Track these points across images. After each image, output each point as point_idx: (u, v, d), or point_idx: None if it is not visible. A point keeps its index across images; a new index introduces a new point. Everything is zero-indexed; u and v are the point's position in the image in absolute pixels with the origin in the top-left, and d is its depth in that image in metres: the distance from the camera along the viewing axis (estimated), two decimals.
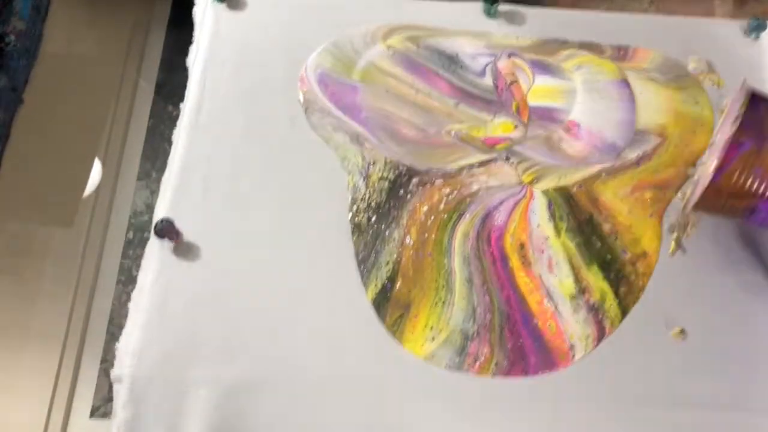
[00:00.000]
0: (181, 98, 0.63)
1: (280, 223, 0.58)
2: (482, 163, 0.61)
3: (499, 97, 0.63)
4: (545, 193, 0.59)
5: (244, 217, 0.58)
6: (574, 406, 0.52)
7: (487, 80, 0.64)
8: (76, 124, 0.73)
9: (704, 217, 0.59)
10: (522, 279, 0.56)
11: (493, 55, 0.65)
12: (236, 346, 0.54)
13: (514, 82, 0.63)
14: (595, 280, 0.56)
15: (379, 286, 0.56)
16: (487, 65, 0.65)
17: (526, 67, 0.65)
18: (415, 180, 0.60)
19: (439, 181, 0.60)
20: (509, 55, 0.65)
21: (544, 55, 0.65)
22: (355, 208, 0.59)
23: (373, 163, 0.60)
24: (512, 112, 0.62)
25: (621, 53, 0.66)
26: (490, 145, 0.61)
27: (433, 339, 0.54)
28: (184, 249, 0.57)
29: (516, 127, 0.62)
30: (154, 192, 0.65)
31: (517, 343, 0.54)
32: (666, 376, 0.53)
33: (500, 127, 0.62)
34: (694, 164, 0.61)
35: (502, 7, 0.67)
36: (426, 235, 0.58)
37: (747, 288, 0.56)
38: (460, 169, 0.60)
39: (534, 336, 0.54)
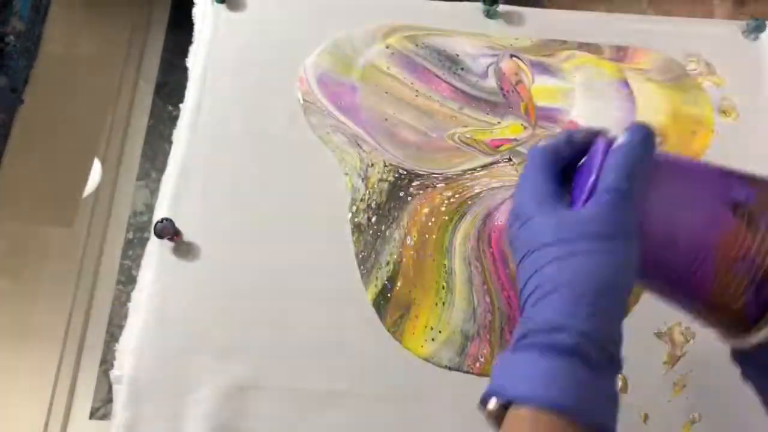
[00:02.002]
0: (181, 98, 0.63)
1: (280, 223, 0.58)
2: (485, 166, 0.61)
3: (505, 99, 0.63)
4: None
5: (244, 217, 0.58)
6: None
7: (490, 82, 0.64)
8: (76, 124, 0.73)
9: None
10: None
11: (494, 55, 0.65)
12: (236, 346, 0.54)
13: (520, 82, 0.63)
14: None
15: (380, 286, 0.56)
16: (489, 66, 0.65)
17: (526, 68, 0.65)
18: (415, 183, 0.60)
19: (440, 185, 0.60)
20: (511, 56, 0.65)
21: (544, 56, 0.65)
22: (354, 208, 0.59)
23: (372, 165, 0.60)
24: (521, 113, 0.62)
25: (620, 54, 0.66)
26: (494, 147, 0.61)
27: (434, 339, 0.54)
28: (184, 249, 0.57)
29: (525, 128, 0.62)
30: (154, 192, 0.65)
31: None
32: (666, 375, 0.53)
33: (508, 129, 0.61)
34: None
35: (502, 8, 0.67)
36: (427, 235, 0.58)
37: None
38: (463, 173, 0.60)
39: None
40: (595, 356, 0.31)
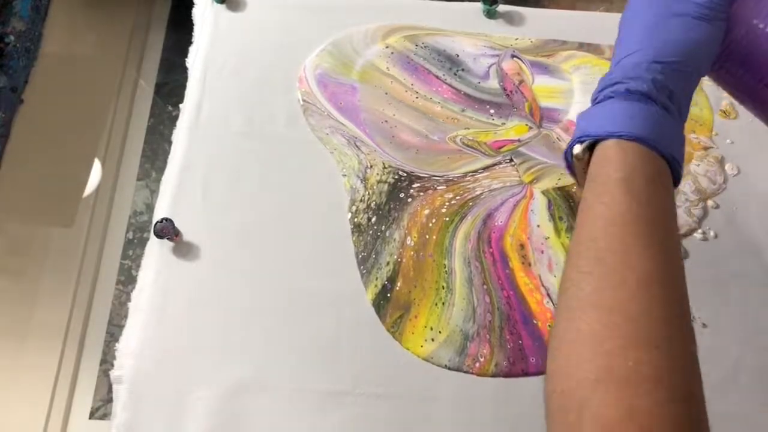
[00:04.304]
0: (181, 98, 0.63)
1: (280, 223, 0.58)
2: (486, 168, 0.61)
3: (509, 99, 0.63)
4: (545, 193, 0.59)
5: (244, 217, 0.58)
6: None
7: (492, 83, 0.64)
8: (76, 124, 0.73)
9: (707, 214, 0.59)
10: (522, 279, 0.56)
11: (495, 55, 0.65)
12: (236, 346, 0.54)
13: (522, 82, 0.63)
14: None
15: (379, 286, 0.56)
16: (490, 67, 0.65)
17: (526, 68, 0.65)
18: (416, 185, 0.60)
19: (441, 187, 0.60)
20: (512, 56, 0.65)
21: (544, 56, 0.65)
22: (354, 208, 0.59)
23: (371, 166, 0.60)
24: (525, 114, 0.62)
25: None
26: (496, 149, 0.61)
27: (433, 339, 0.54)
28: (184, 249, 0.57)
29: (530, 128, 0.62)
30: (154, 192, 0.65)
31: (517, 344, 0.54)
32: None
33: (513, 129, 0.61)
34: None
35: (502, 8, 0.67)
36: (427, 236, 0.58)
37: (747, 289, 0.56)
38: (464, 175, 0.60)
39: (534, 336, 0.54)
40: (668, 104, 0.35)
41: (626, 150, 0.34)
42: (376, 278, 0.56)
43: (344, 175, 0.60)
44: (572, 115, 0.63)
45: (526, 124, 0.62)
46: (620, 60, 0.37)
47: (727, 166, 0.61)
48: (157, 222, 0.56)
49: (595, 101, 0.38)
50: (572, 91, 0.64)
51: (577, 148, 0.37)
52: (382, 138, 0.61)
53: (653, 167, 0.34)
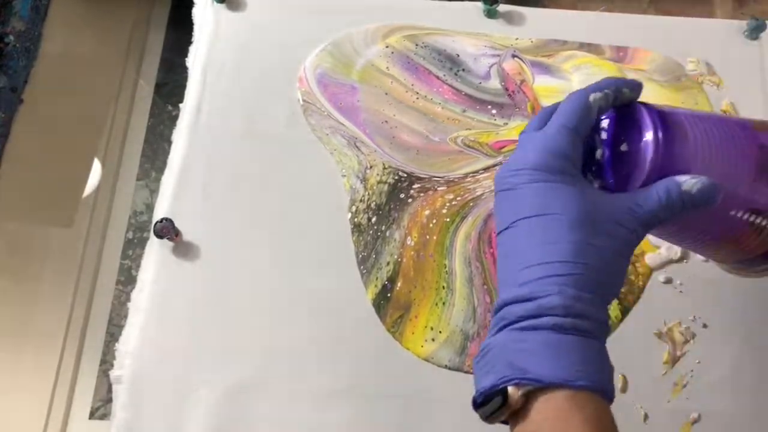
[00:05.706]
0: (181, 98, 0.63)
1: (280, 224, 0.58)
2: (487, 168, 0.61)
3: (512, 99, 0.63)
4: None
5: (244, 217, 0.58)
6: None
7: (494, 83, 0.64)
8: (76, 124, 0.73)
9: None
10: None
11: (496, 55, 0.65)
12: (236, 346, 0.54)
13: (524, 81, 0.63)
14: None
15: (380, 286, 0.56)
16: (491, 67, 0.65)
17: (527, 68, 0.65)
18: (416, 186, 0.60)
19: (442, 188, 0.60)
20: (513, 56, 0.65)
21: (544, 56, 0.65)
22: (354, 208, 0.59)
23: (371, 167, 0.60)
24: (528, 113, 0.62)
25: (620, 54, 0.66)
26: (497, 149, 0.61)
27: (434, 339, 0.54)
28: (183, 249, 0.57)
29: None
30: (154, 192, 0.65)
31: None
32: (666, 375, 0.53)
33: (516, 129, 0.61)
34: None
35: (502, 8, 0.67)
36: (427, 236, 0.58)
37: (747, 288, 0.56)
38: (465, 175, 0.60)
39: None
40: (604, 334, 0.32)
41: (583, 405, 0.29)
42: (377, 278, 0.56)
43: (344, 176, 0.60)
44: None
45: None
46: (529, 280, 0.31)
47: None
48: (157, 222, 0.55)
49: (524, 325, 0.30)
50: (572, 91, 0.64)
51: (516, 392, 0.29)
52: (382, 138, 0.61)
53: (608, 416, 0.30)
